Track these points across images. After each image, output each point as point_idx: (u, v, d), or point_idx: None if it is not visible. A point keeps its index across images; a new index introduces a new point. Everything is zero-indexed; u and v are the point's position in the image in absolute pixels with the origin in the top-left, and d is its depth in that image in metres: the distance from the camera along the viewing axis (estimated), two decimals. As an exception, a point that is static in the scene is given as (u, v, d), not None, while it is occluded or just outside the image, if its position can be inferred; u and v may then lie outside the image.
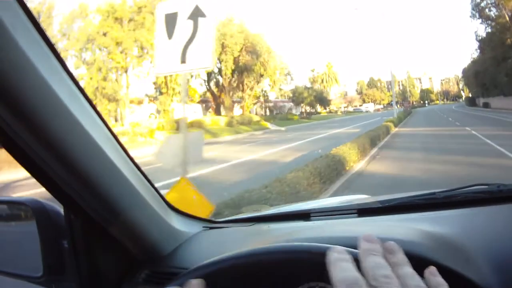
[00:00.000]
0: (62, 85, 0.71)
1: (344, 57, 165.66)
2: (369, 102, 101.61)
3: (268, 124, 36.81)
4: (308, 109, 58.16)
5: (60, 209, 0.89)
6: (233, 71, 39.51)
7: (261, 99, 49.06)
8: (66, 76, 0.72)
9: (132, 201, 0.86)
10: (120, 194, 0.83)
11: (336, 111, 78.25)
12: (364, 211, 1.11)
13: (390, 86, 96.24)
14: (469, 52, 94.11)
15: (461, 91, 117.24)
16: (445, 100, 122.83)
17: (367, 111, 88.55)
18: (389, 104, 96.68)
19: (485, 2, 40.90)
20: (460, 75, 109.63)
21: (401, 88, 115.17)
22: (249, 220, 1.20)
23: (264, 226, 1.13)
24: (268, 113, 52.89)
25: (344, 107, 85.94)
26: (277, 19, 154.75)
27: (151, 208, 0.92)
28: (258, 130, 31.92)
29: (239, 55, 38.20)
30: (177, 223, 1.04)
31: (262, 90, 45.77)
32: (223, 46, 36.64)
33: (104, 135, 0.78)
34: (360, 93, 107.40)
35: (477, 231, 0.83)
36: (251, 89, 41.62)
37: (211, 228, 1.14)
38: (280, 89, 51.67)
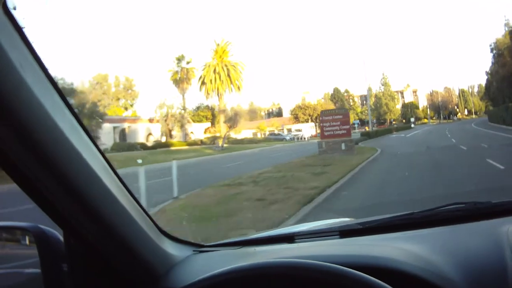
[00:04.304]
0: (64, 119, 0.82)
1: (309, 62, 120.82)
2: (306, 120, 53.18)
3: None
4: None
5: (59, 235, 1.03)
6: None
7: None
8: (67, 111, 0.84)
9: (127, 226, 0.99)
10: (116, 220, 0.96)
11: (214, 141, 40.32)
12: (346, 232, 1.20)
13: (365, 101, 64.26)
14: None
15: (456, 107, 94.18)
16: (440, 118, 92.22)
17: (292, 139, 50.64)
18: (353, 125, 60.85)
19: None
20: (451, 87, 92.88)
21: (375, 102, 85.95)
22: (236, 244, 1.31)
23: (251, 249, 1.24)
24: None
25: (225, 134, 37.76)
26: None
27: (145, 233, 1.05)
28: None
29: None
30: (169, 247, 1.16)
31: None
32: None
33: (101, 165, 0.92)
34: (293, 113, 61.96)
35: (453, 248, 0.94)
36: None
37: (200, 251, 1.26)
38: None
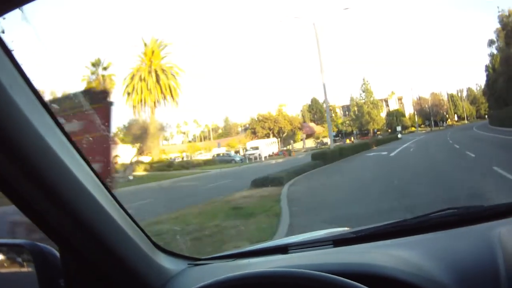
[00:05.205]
0: (55, 138, 0.85)
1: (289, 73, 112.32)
2: (267, 135, 42.07)
3: None
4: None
5: (56, 251, 1.05)
6: None
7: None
8: (58, 131, 0.88)
9: (121, 241, 1.03)
10: (110, 235, 1.00)
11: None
12: (339, 241, 1.23)
13: (347, 111, 60.48)
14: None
15: (445, 113, 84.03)
16: (431, 125, 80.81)
17: (242, 160, 37.24)
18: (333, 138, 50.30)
19: None
20: (439, 92, 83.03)
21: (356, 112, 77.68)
22: (230, 256, 1.34)
23: (245, 261, 1.28)
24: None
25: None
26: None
27: (139, 247, 1.08)
28: None
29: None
30: (164, 260, 1.18)
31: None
32: None
33: (94, 182, 0.96)
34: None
35: (445, 252, 0.97)
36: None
37: (195, 265, 1.29)
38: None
